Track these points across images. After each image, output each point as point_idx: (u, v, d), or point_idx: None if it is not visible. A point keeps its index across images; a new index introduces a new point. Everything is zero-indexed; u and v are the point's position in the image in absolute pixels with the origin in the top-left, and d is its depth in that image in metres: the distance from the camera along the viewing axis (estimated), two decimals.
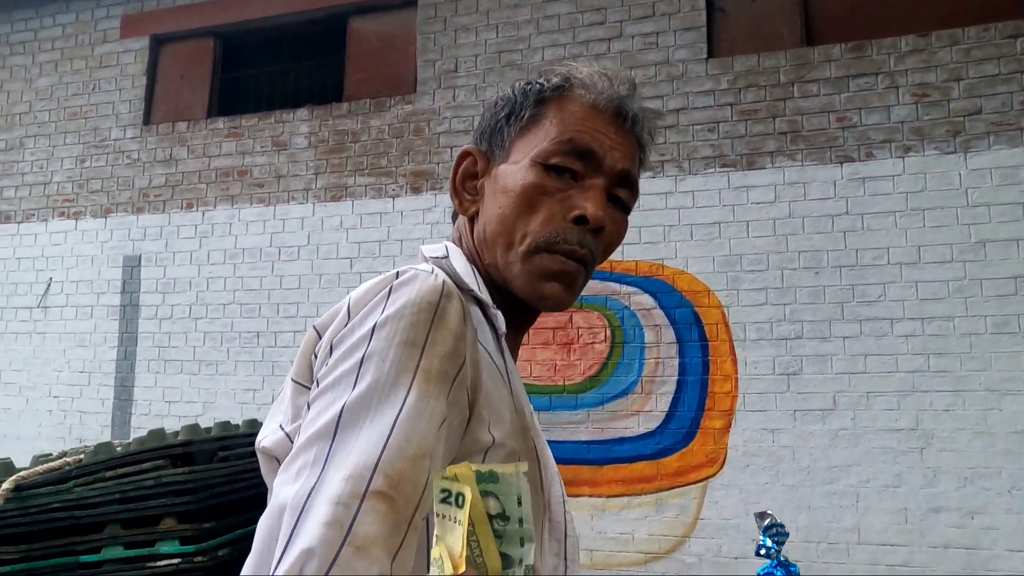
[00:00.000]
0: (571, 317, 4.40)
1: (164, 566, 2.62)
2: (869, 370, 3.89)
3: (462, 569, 0.40)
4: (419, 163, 4.82)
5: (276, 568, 0.57)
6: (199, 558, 2.62)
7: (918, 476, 3.74)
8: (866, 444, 3.84)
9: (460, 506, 0.41)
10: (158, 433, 2.92)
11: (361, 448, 0.61)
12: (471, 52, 4.85)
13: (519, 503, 0.43)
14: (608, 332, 4.35)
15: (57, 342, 5.38)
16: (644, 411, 4.20)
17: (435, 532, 0.41)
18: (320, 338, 0.72)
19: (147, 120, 5.47)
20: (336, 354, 0.68)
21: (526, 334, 0.94)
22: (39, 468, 2.82)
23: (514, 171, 0.83)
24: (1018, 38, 3.94)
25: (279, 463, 0.71)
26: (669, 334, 4.25)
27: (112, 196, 5.42)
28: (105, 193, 5.44)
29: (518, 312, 0.87)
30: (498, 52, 4.81)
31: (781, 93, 4.25)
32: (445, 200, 4.64)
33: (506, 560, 0.43)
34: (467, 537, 0.41)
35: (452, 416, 0.67)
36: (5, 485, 2.70)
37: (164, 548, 2.65)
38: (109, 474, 2.72)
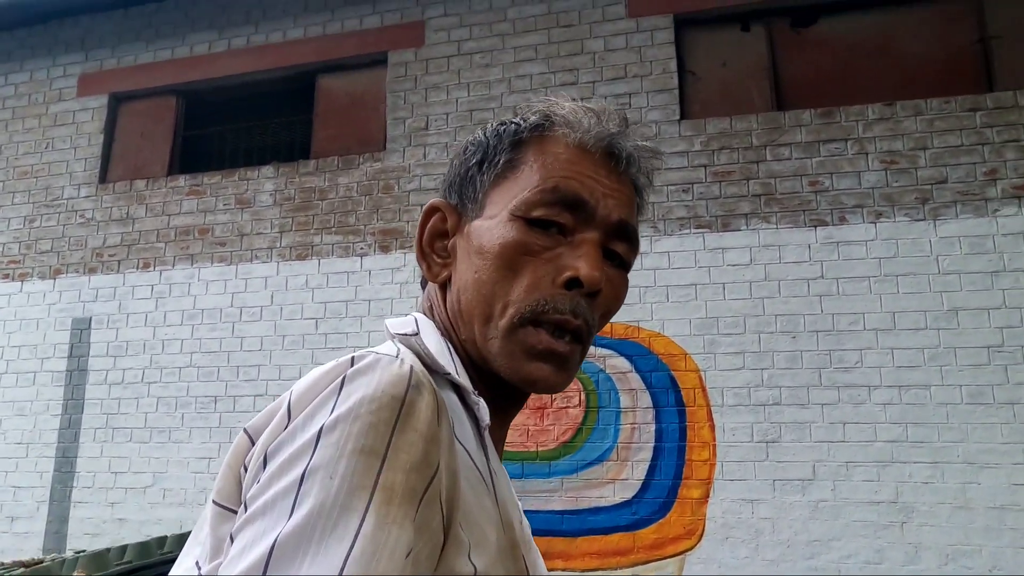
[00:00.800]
0: None
1: None
2: (848, 439, 3.83)
3: None
4: (388, 221, 4.71)
5: None
6: None
7: (899, 552, 3.66)
8: (847, 517, 3.75)
9: None
10: (98, 556, 2.50)
11: None
12: (442, 110, 4.80)
13: None
14: (583, 396, 4.24)
15: None
16: (620, 479, 4.07)
17: None
18: (252, 445, 0.57)
19: (103, 179, 5.27)
20: (271, 467, 0.53)
21: (512, 421, 0.78)
22: None
23: (490, 227, 0.70)
24: (977, 112, 4.03)
25: None
26: (645, 399, 4.16)
27: (63, 256, 5.17)
28: (55, 253, 5.19)
29: (502, 396, 0.73)
30: (469, 110, 4.76)
31: (754, 156, 4.27)
32: (415, 259, 4.52)
33: None
34: None
35: (420, 545, 0.53)
36: None
37: None
38: None
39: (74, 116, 5.40)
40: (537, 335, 0.67)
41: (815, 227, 4.10)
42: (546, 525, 4.09)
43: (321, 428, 0.52)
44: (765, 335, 4.05)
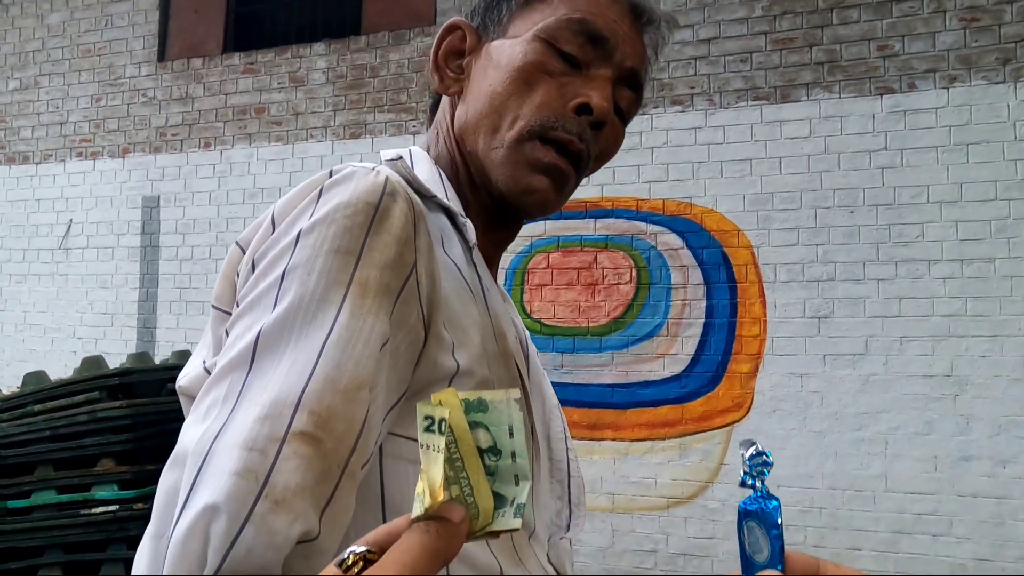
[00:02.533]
0: (596, 257, 4.30)
1: (100, 513, 2.37)
2: (904, 314, 3.76)
3: (441, 496, 0.35)
4: None
5: (173, 529, 0.47)
6: (139, 505, 2.38)
7: (950, 424, 3.65)
8: (897, 390, 3.74)
9: (442, 433, 0.36)
10: (94, 361, 2.62)
11: (281, 380, 0.50)
12: None
13: (511, 434, 0.37)
14: (634, 273, 4.25)
15: (79, 283, 5.39)
16: (669, 354, 4.13)
17: (420, 467, 0.36)
18: (243, 254, 0.61)
19: (161, 57, 5.35)
20: (257, 270, 0.57)
21: (506, 249, 0.82)
22: None
23: (512, 45, 0.72)
24: None
25: None
26: (697, 275, 4.15)
27: (129, 135, 5.35)
28: (122, 132, 5.37)
29: (498, 218, 0.76)
30: None
31: (819, 20, 4.03)
32: None
33: (498, 500, 0.38)
34: (456, 474, 0.36)
35: (399, 338, 0.56)
36: None
37: (100, 493, 2.40)
38: (38, 408, 2.45)
39: None
40: (544, 149, 0.70)
41: (881, 95, 3.89)
42: (596, 398, 4.21)
43: (300, 232, 0.56)
44: (822, 210, 3.95)
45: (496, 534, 0.38)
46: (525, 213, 0.75)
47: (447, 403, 0.36)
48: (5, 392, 2.63)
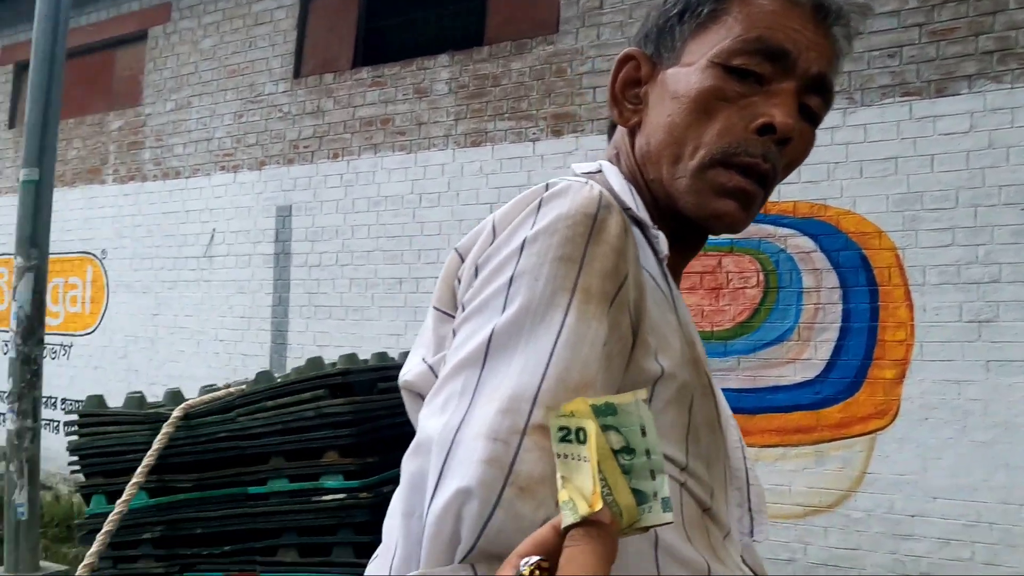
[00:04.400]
0: (720, 261, 4.11)
1: (329, 501, 2.57)
2: None
3: (598, 506, 0.37)
4: (560, 105, 4.66)
5: (428, 509, 0.52)
6: (364, 494, 2.56)
7: None
8: None
9: (583, 442, 0.38)
10: (316, 362, 2.85)
11: (516, 377, 0.54)
12: None
13: (643, 433, 0.39)
14: (761, 276, 4.03)
15: (221, 289, 5.74)
16: (801, 359, 3.86)
17: (559, 475, 0.39)
18: (463, 261, 0.66)
19: (297, 73, 5.67)
20: (482, 275, 0.62)
21: (690, 262, 0.83)
22: (205, 397, 2.89)
23: (687, 74, 0.72)
24: None
25: (423, 399, 0.64)
26: (831, 278, 3.87)
27: (266, 149, 5.69)
28: (260, 146, 5.71)
29: (683, 234, 0.76)
30: None
31: (989, 6, 3.68)
32: (587, 143, 4.47)
33: (639, 496, 0.39)
34: (596, 473, 0.38)
35: (612, 342, 0.59)
36: (175, 413, 2.78)
37: (328, 482, 2.60)
38: (270, 404, 2.69)
39: (271, 15, 5.81)
40: (728, 174, 0.70)
41: None
42: None
43: (524, 240, 0.60)
44: (983, 208, 3.58)
45: (645, 529, 0.40)
46: (713, 232, 0.76)
47: (579, 412, 0.39)
48: (233, 389, 2.89)
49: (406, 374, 0.69)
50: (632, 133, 0.78)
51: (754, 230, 4.04)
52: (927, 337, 3.59)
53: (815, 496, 3.75)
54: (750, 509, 0.77)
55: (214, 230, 5.82)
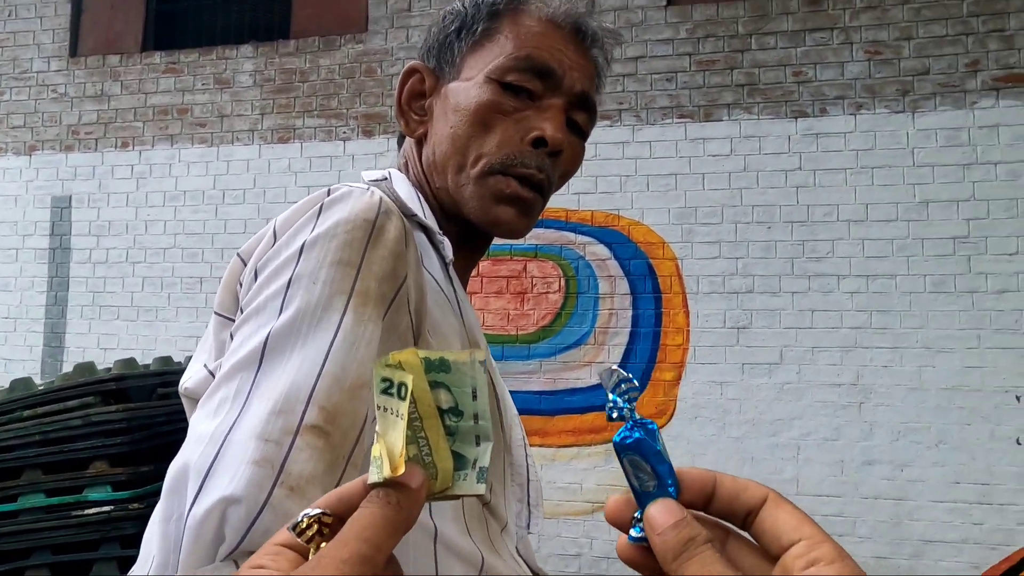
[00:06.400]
0: (525, 266, 4.38)
1: (93, 514, 2.44)
2: (815, 325, 4.00)
3: (401, 470, 0.34)
4: (371, 105, 4.65)
5: (189, 511, 0.50)
6: (134, 505, 2.46)
7: (855, 430, 3.90)
8: (809, 398, 3.97)
9: (403, 398, 0.35)
10: (86, 367, 2.67)
11: (291, 378, 0.54)
12: None
13: (474, 396, 0.37)
14: (562, 282, 4.35)
15: None
16: (596, 362, 4.24)
17: (376, 428, 0.36)
18: (245, 265, 0.66)
19: (73, 52, 5.09)
20: (261, 279, 0.62)
21: (477, 267, 0.90)
22: None
23: (467, 88, 0.77)
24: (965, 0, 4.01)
25: None
26: (623, 285, 4.28)
27: (36, 132, 5.06)
28: (29, 129, 5.07)
29: (468, 239, 0.82)
30: None
31: (739, 44, 4.24)
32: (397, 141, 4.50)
33: (459, 460, 0.37)
34: (414, 433, 0.36)
35: (391, 342, 0.61)
36: None
37: (93, 495, 2.46)
38: (27, 414, 2.51)
39: None
40: (506, 181, 0.75)
41: (796, 118, 4.13)
42: (525, 404, 4.28)
43: (303, 244, 0.61)
44: (741, 225, 4.15)
45: (457, 497, 0.37)
46: (496, 236, 0.81)
47: (407, 363, 0.36)
48: None
49: (186, 381, 0.68)
50: (419, 143, 0.82)
51: (556, 237, 4.35)
52: (699, 342, 4.12)
53: (603, 493, 4.13)
54: (529, 504, 0.81)
55: None
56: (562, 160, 0.79)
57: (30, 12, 5.14)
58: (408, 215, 0.72)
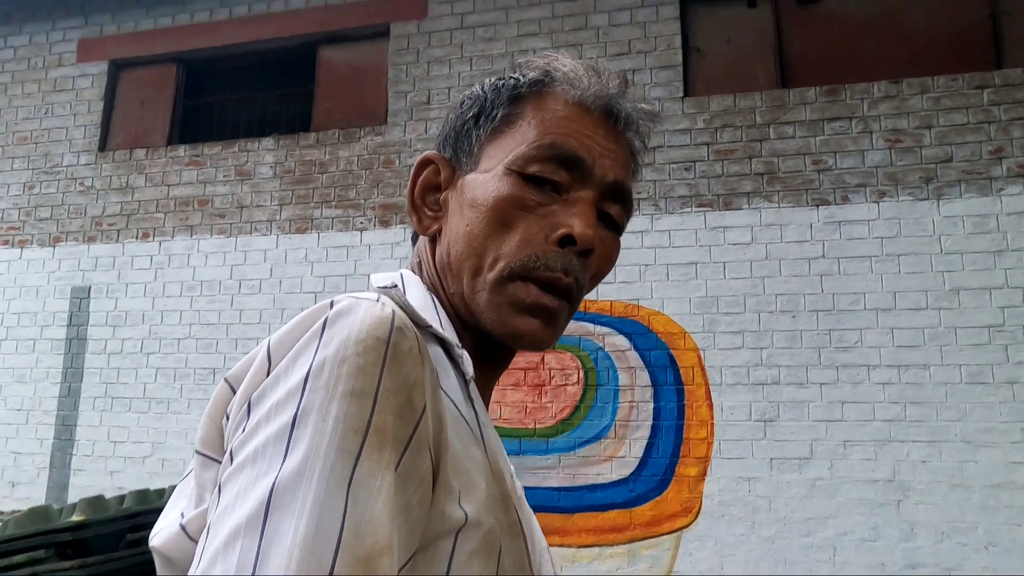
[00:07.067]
0: (543, 358, 4.27)
1: None
2: (846, 418, 3.82)
3: None
4: (388, 196, 4.69)
5: None
6: None
7: (895, 530, 3.66)
8: (843, 495, 3.75)
9: None
10: (41, 512, 2.31)
11: (305, 549, 0.45)
12: (444, 84, 4.76)
13: None
14: (581, 374, 4.23)
15: None
16: (617, 457, 4.07)
17: None
18: (233, 393, 0.56)
19: (103, 147, 5.24)
20: (257, 415, 0.52)
21: (498, 380, 0.77)
22: None
23: (485, 181, 0.68)
24: (985, 89, 3.99)
25: (178, 568, 0.56)
26: (644, 377, 4.15)
27: (62, 224, 5.16)
28: (55, 221, 5.18)
29: (489, 352, 0.72)
30: (471, 85, 4.71)
31: (757, 134, 4.24)
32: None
33: None
34: None
35: (410, 491, 0.52)
36: None
37: None
38: None
39: (74, 82, 5.37)
40: (526, 288, 0.66)
41: (817, 206, 4.07)
42: (543, 502, 4.09)
43: (308, 371, 0.51)
44: (765, 314, 4.04)
45: None
46: (518, 349, 0.71)
47: None
48: None
49: (157, 534, 0.58)
50: (433, 241, 0.73)
51: (574, 328, 4.25)
52: (724, 435, 3.94)
53: None
54: None
55: None
56: (593, 259, 0.69)
57: (65, 110, 5.34)
58: (422, 326, 0.63)
